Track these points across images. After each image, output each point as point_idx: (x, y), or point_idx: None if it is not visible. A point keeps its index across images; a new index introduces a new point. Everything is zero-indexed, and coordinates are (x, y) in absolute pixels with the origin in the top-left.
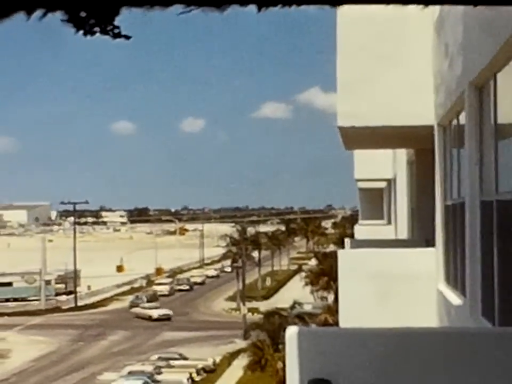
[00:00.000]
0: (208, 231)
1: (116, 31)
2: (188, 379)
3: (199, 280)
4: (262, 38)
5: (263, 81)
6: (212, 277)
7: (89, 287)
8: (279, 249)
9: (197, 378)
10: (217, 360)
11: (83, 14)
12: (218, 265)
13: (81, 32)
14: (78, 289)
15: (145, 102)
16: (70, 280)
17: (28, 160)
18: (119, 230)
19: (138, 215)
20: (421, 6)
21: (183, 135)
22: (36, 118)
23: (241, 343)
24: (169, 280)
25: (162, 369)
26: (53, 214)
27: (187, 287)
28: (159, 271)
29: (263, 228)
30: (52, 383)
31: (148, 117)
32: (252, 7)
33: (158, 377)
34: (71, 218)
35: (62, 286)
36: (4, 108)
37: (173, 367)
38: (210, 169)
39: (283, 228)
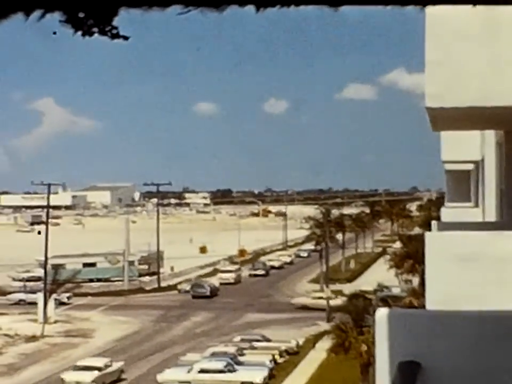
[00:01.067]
0: (291, 213)
1: (114, 31)
2: (270, 361)
3: (276, 264)
4: (346, 19)
5: (347, 62)
6: (286, 263)
7: (172, 268)
8: (363, 232)
9: (280, 360)
10: (300, 342)
11: (81, 15)
12: (303, 247)
13: (79, 32)
14: (161, 270)
15: (227, 83)
16: (153, 261)
17: (111, 142)
18: (202, 212)
19: (221, 197)
20: (419, 7)
21: (265, 117)
22: (119, 99)
23: (324, 326)
24: (235, 267)
25: (245, 351)
26: (136, 195)
27: (262, 272)
28: (242, 253)
29: (347, 210)
30: (135, 363)
31: (231, 98)
32: (250, 7)
33: (241, 359)
34: (154, 200)
35: (145, 267)
36: (88, 90)
37: (255, 348)
38: (294, 151)
39: (367, 210)
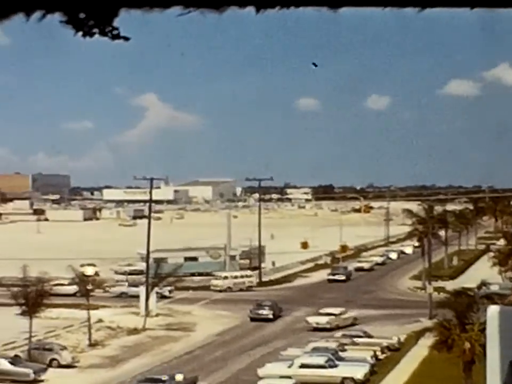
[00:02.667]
0: (393, 209)
1: (115, 32)
2: (372, 357)
3: (366, 266)
4: (449, 15)
5: (449, 58)
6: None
7: (273, 263)
8: (467, 229)
9: (381, 356)
10: (402, 338)
11: (82, 16)
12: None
13: (80, 33)
14: (262, 265)
15: (330, 78)
16: (255, 255)
17: (213, 137)
18: (303, 207)
19: (323, 192)
20: (417, 9)
21: (368, 112)
22: (220, 94)
23: (426, 322)
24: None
25: (347, 347)
26: (238, 190)
27: (342, 277)
28: (343, 248)
29: (450, 207)
30: (235, 357)
31: (333, 93)
32: (250, 9)
33: (342, 354)
34: (256, 195)
35: (246, 261)
36: (190, 86)
37: (357, 344)
38: (396, 147)
39: (471, 207)
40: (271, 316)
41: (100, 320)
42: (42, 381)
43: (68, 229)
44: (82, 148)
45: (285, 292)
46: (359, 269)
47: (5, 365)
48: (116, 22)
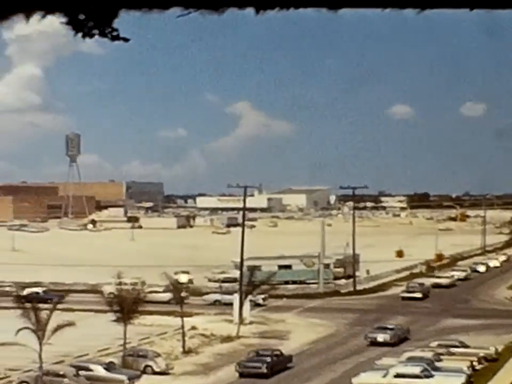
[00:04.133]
0: (490, 218)
1: (115, 33)
2: (468, 367)
3: (444, 282)
4: None
5: None
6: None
7: (367, 272)
8: None
9: (478, 367)
10: (500, 349)
11: (82, 17)
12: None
13: (80, 34)
14: (356, 273)
15: (423, 85)
16: (349, 264)
17: (306, 144)
18: (398, 215)
19: (418, 201)
20: (417, 10)
21: (462, 119)
22: (312, 101)
23: None
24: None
25: (442, 357)
26: (332, 198)
27: (419, 295)
28: (439, 257)
29: None
30: (330, 365)
31: (426, 100)
32: (250, 10)
33: (438, 364)
34: (350, 203)
35: (340, 270)
36: (283, 93)
37: (453, 354)
38: (493, 155)
39: None
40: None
41: (194, 328)
42: None
43: (162, 237)
44: (176, 155)
45: (379, 301)
46: (437, 286)
47: (99, 371)
48: (115, 23)
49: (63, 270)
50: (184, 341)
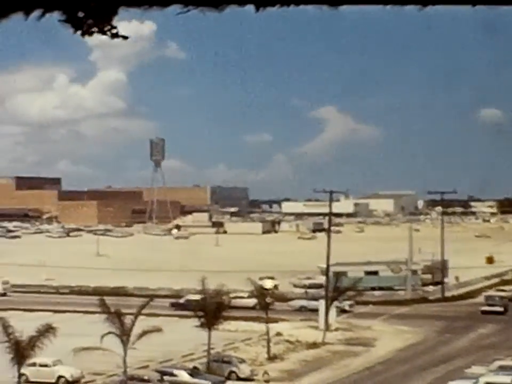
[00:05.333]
0: None
1: (114, 31)
2: None
3: None
4: None
5: None
6: None
7: (457, 278)
8: None
9: None
10: None
11: (81, 14)
12: None
13: (79, 32)
14: (445, 280)
15: None
16: (437, 270)
17: (393, 149)
18: (488, 221)
19: (508, 206)
20: (418, 7)
21: None
22: (400, 106)
23: None
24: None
25: None
26: (420, 204)
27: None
28: None
29: None
30: (417, 374)
31: None
32: (250, 7)
33: None
34: (439, 208)
35: (428, 276)
36: (369, 97)
37: None
38: None
39: None
40: None
41: (279, 334)
42: None
43: (247, 242)
44: (261, 160)
45: (468, 308)
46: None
47: (184, 376)
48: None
49: (148, 275)
50: (269, 347)
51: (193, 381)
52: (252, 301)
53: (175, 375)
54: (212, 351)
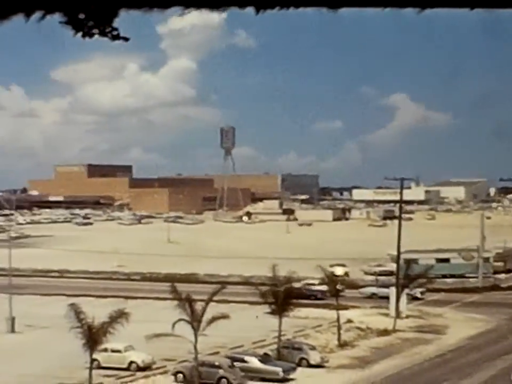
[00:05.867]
0: None
1: (115, 33)
2: None
3: None
4: None
5: None
6: None
7: None
8: None
9: None
10: None
11: (82, 16)
12: None
13: (80, 34)
14: None
15: None
16: (509, 258)
17: (465, 136)
18: None
19: None
20: (417, 10)
21: None
22: (474, 93)
23: None
24: None
25: None
26: (492, 191)
27: None
28: None
29: None
30: (489, 362)
31: None
32: (250, 9)
33: None
34: (511, 196)
35: (500, 264)
36: (441, 85)
37: None
38: None
39: None
40: None
41: (349, 321)
42: (291, 379)
43: (317, 229)
44: (332, 147)
45: None
46: None
47: (254, 362)
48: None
49: (218, 262)
50: (339, 334)
51: (263, 367)
52: (323, 288)
53: (245, 361)
54: (282, 338)
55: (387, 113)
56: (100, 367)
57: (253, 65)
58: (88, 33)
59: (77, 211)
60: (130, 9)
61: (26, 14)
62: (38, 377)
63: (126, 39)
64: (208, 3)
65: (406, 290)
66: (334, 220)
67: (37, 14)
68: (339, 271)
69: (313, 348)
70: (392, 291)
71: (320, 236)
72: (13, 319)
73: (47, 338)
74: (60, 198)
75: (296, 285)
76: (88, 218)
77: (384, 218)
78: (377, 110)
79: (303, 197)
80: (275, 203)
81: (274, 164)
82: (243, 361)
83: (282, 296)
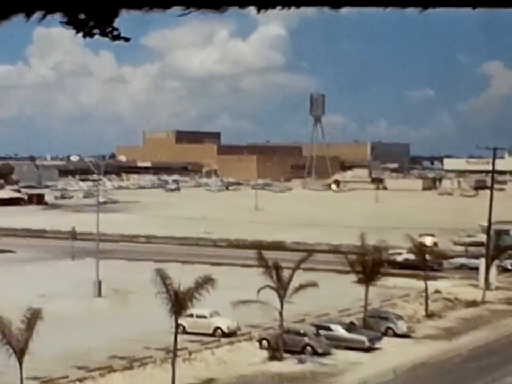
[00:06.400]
0: None
1: (115, 33)
2: None
3: None
4: None
5: None
6: None
7: None
8: None
9: None
10: None
11: (82, 16)
12: None
13: (80, 34)
14: None
15: None
16: None
17: None
18: None
19: None
20: (419, 9)
21: None
22: None
23: None
24: None
25: None
26: None
27: None
28: None
29: None
30: None
31: None
32: (251, 9)
33: None
34: None
35: None
36: None
37: None
38: None
39: None
40: None
41: (437, 291)
42: (377, 349)
43: (407, 199)
44: (423, 116)
45: None
46: None
47: (340, 331)
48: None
49: (306, 230)
50: (427, 305)
51: (349, 335)
52: (411, 258)
53: (331, 330)
54: (368, 307)
55: (481, 81)
56: (185, 333)
57: (344, 32)
58: (88, 34)
59: (164, 177)
60: (130, 9)
61: (27, 14)
62: (124, 341)
63: (127, 39)
64: (209, 3)
65: (496, 262)
66: (424, 189)
67: (38, 14)
68: (428, 241)
69: (399, 318)
70: (482, 262)
71: (410, 206)
72: (99, 283)
73: (133, 303)
74: (148, 164)
75: (384, 254)
76: (176, 184)
77: (476, 188)
78: (470, 78)
79: (393, 166)
80: (364, 172)
81: (364, 132)
82: (328, 329)
83: (370, 265)
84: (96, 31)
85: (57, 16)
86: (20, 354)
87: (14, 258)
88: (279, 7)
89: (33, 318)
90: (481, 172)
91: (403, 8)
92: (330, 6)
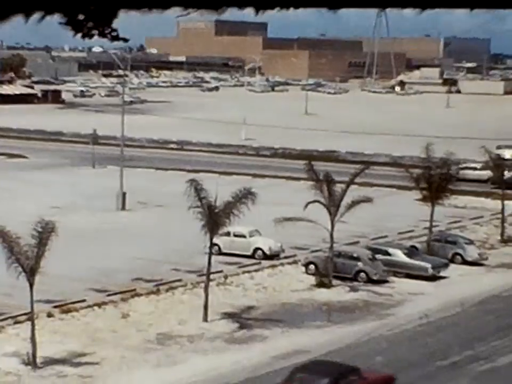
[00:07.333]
0: None
1: (114, 33)
2: None
3: None
4: None
5: None
6: None
7: None
8: None
9: None
10: None
11: (81, 17)
12: None
13: (79, 34)
14: None
15: None
16: None
17: None
18: None
19: None
20: (417, 10)
21: None
22: None
23: None
24: None
25: None
26: None
27: None
28: None
29: None
30: None
31: None
32: (250, 10)
33: None
34: None
35: None
36: None
37: None
38: None
39: None
40: None
41: None
42: (442, 277)
43: (484, 104)
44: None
45: None
46: None
47: (399, 256)
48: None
49: (363, 139)
50: (503, 228)
51: (410, 261)
52: (486, 173)
53: (389, 254)
54: (434, 229)
55: None
56: (220, 253)
57: None
58: (87, 34)
59: (201, 74)
60: (129, 10)
61: (26, 14)
62: (150, 262)
63: (126, 40)
64: (207, 4)
65: None
66: (506, 93)
67: (37, 15)
68: (508, 154)
69: (470, 243)
70: None
71: (487, 112)
72: (123, 195)
73: (162, 218)
74: (182, 59)
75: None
76: (213, 82)
77: None
78: None
79: (470, 65)
80: (435, 71)
81: (436, 24)
82: (386, 253)
83: (437, 180)
84: (94, 31)
85: (56, 17)
86: (31, 273)
87: (26, 165)
88: (277, 8)
89: (45, 232)
90: None
91: (401, 8)
92: (328, 7)
